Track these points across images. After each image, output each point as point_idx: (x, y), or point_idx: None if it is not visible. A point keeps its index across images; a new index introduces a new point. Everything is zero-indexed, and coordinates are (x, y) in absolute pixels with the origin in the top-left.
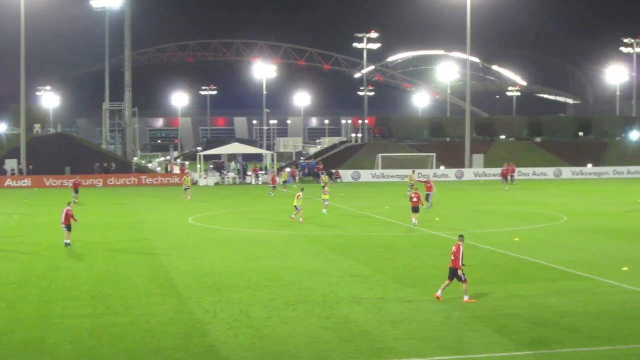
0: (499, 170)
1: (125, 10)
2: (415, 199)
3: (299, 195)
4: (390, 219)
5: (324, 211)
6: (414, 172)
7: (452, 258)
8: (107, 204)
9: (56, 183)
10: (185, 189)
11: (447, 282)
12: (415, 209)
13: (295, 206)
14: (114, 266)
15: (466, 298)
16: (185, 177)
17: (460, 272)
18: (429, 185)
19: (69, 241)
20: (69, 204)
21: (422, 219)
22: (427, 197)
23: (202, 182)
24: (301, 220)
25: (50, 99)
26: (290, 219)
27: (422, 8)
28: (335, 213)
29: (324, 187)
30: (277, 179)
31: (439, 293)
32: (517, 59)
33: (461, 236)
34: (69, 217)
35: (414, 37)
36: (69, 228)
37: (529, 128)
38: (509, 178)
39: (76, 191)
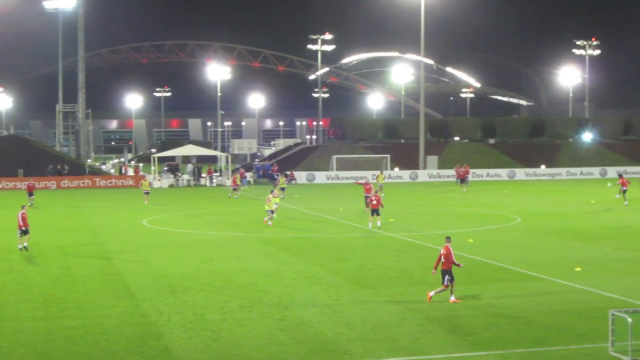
0: (453, 172)
1: (79, 12)
2: (374, 202)
3: (269, 198)
4: (345, 221)
5: (270, 223)
6: (382, 173)
7: (443, 260)
8: (61, 207)
9: (9, 185)
10: (145, 193)
11: (442, 287)
12: (375, 212)
13: (267, 210)
14: (67, 269)
15: (452, 298)
16: (142, 180)
17: (449, 274)
18: (367, 187)
19: (22, 245)
20: (22, 207)
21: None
22: (366, 200)
23: (156, 184)
24: (270, 223)
25: (2, 101)
26: (264, 223)
27: (377, 9)
28: (289, 215)
29: (272, 190)
30: (238, 182)
31: (431, 293)
32: (470, 60)
33: (448, 237)
34: (25, 220)
35: (368, 38)
36: (24, 232)
37: (483, 129)
38: (465, 179)
39: (30, 194)
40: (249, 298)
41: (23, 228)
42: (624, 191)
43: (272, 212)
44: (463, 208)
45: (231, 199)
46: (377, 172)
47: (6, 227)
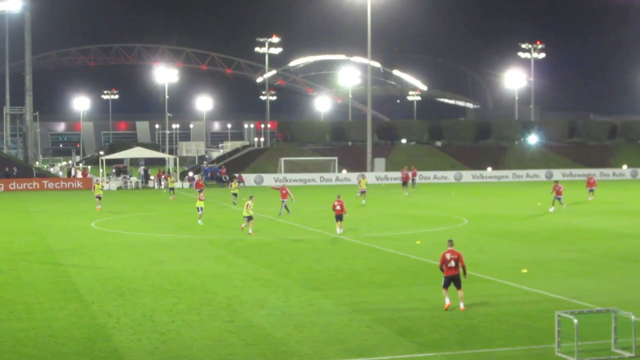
0: (400, 174)
1: (25, 14)
2: (338, 207)
3: (248, 205)
4: (293, 223)
5: (250, 231)
6: (364, 177)
7: (452, 265)
8: (9, 209)
9: None
10: (97, 197)
11: (445, 290)
12: (339, 217)
13: (245, 217)
14: (16, 271)
15: (462, 305)
16: (95, 184)
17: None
18: (284, 191)
19: None
20: None
21: (323, 225)
22: (283, 204)
23: (104, 187)
24: (250, 231)
25: None
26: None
27: (323, 13)
28: (237, 217)
29: (251, 196)
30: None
31: (447, 302)
32: (417, 63)
33: (451, 241)
34: None
35: (316, 41)
36: None
37: (430, 132)
38: (411, 182)
39: None
40: (198, 300)
41: None
42: (558, 199)
43: (250, 217)
44: (410, 210)
45: (178, 202)
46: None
47: None
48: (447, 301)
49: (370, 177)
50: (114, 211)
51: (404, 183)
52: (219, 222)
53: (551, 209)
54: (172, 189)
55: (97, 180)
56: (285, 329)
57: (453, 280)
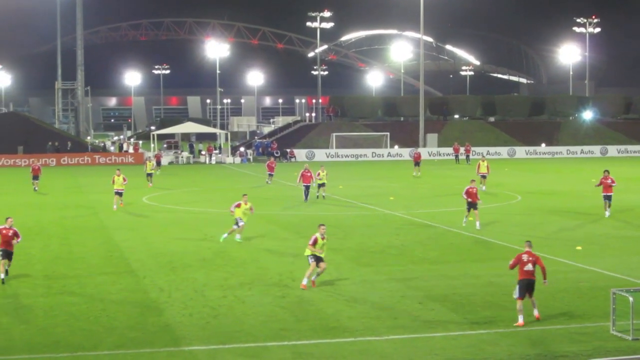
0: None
1: None
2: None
3: (318, 173)
4: (345, 198)
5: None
6: (484, 160)
7: (530, 268)
8: (61, 184)
9: (8, 162)
10: (148, 175)
11: (520, 302)
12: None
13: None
14: (68, 245)
15: (536, 312)
16: (147, 162)
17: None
18: (307, 174)
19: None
20: (6, 219)
21: (375, 201)
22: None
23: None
24: (238, 236)
25: (1, 78)
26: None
27: None
28: (289, 192)
29: (322, 166)
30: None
31: (521, 320)
32: (470, 38)
33: (529, 242)
34: (7, 239)
35: (367, 16)
36: (7, 255)
37: (483, 107)
38: (465, 157)
39: (35, 177)
40: (250, 275)
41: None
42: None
43: (323, 184)
44: (463, 186)
45: (223, 178)
46: (378, 150)
47: (6, 204)
48: (521, 319)
49: (422, 152)
50: (164, 187)
51: (465, 157)
52: (270, 197)
53: (607, 213)
54: (150, 174)
55: (148, 157)
56: (337, 304)
57: (529, 286)
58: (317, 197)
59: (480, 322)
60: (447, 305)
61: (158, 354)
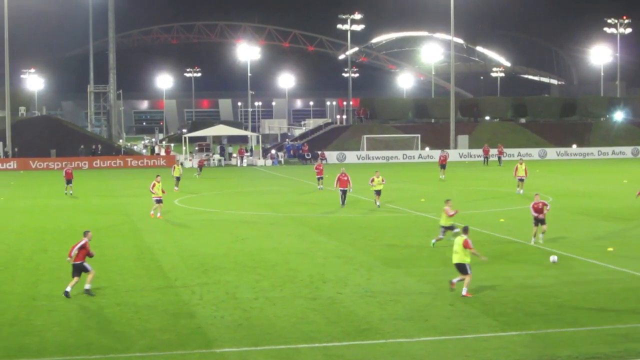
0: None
1: None
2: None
3: (372, 179)
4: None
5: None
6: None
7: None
8: (93, 187)
9: (42, 165)
10: (176, 178)
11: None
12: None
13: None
14: (100, 248)
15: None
16: (175, 166)
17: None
18: (344, 178)
19: (88, 286)
20: (85, 233)
21: (406, 203)
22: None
23: (187, 164)
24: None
25: (34, 82)
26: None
27: None
28: (319, 194)
29: (376, 171)
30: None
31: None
32: (500, 39)
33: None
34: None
35: (398, 18)
36: (82, 269)
37: (513, 109)
38: (497, 159)
39: (68, 181)
40: (281, 277)
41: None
42: None
43: (378, 192)
44: (494, 187)
45: (250, 180)
46: (409, 152)
47: (40, 206)
48: None
49: (453, 154)
50: (195, 190)
51: (497, 159)
52: (301, 199)
53: None
54: (178, 178)
55: (178, 161)
56: (368, 306)
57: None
58: (378, 205)
59: (512, 324)
60: (478, 307)
61: (190, 356)
